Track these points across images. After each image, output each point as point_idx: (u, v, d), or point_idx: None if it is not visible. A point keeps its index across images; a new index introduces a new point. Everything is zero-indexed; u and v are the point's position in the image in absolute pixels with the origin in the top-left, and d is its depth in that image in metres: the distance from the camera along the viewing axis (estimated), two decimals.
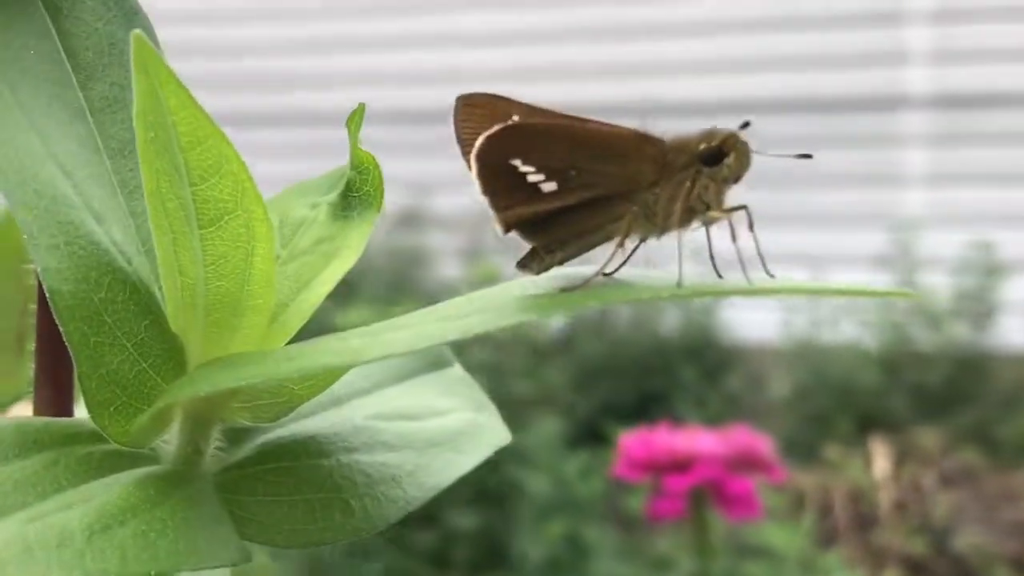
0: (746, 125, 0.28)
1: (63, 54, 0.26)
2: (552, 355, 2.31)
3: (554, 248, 0.28)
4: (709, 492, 1.06)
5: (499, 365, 2.08)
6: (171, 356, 0.25)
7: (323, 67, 2.91)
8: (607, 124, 0.28)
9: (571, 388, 2.29)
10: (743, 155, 0.28)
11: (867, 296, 0.23)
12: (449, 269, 2.44)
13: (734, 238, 0.28)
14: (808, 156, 0.29)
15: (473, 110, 0.28)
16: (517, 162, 0.27)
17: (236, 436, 0.27)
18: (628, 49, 2.71)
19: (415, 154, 2.75)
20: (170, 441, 0.26)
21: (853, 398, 2.27)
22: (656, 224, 0.28)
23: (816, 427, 2.24)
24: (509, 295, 0.24)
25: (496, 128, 0.27)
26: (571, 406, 2.22)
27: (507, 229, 0.28)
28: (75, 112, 0.26)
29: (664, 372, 2.37)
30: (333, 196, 0.27)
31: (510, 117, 0.28)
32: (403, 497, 0.26)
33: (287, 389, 0.26)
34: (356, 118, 0.27)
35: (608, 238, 0.28)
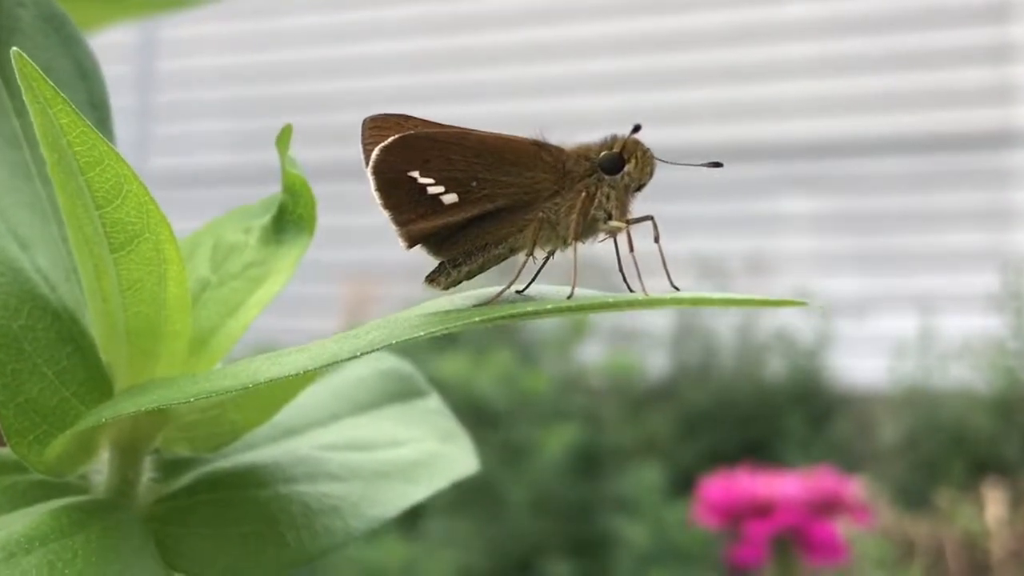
0: (637, 128, 0.28)
1: None
2: (655, 403, 2.29)
3: (460, 262, 0.28)
4: (792, 537, 1.03)
5: (597, 413, 2.07)
6: (95, 384, 0.24)
7: (428, 116, 2.93)
8: (504, 134, 0.27)
9: (675, 436, 2.27)
10: (645, 162, 0.28)
11: (750, 305, 0.22)
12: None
13: (631, 248, 0.27)
14: (718, 164, 0.28)
15: (379, 132, 0.28)
16: (415, 174, 0.26)
17: (176, 467, 0.26)
18: (738, 90, 2.70)
19: None
20: (100, 471, 0.25)
21: (965, 443, 2.21)
22: (560, 235, 0.27)
23: (927, 473, 2.18)
24: (417, 313, 0.23)
25: (391, 139, 0.26)
26: (674, 454, 2.20)
27: (411, 243, 0.27)
28: (8, 140, 0.26)
29: (769, 419, 2.34)
30: (266, 220, 0.27)
31: None
32: (343, 528, 0.25)
33: (226, 418, 0.25)
34: (284, 138, 0.26)
35: (514, 250, 0.28)
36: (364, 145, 0.28)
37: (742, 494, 1.05)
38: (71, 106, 0.20)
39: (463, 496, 1.90)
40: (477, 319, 0.21)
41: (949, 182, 2.58)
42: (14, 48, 0.20)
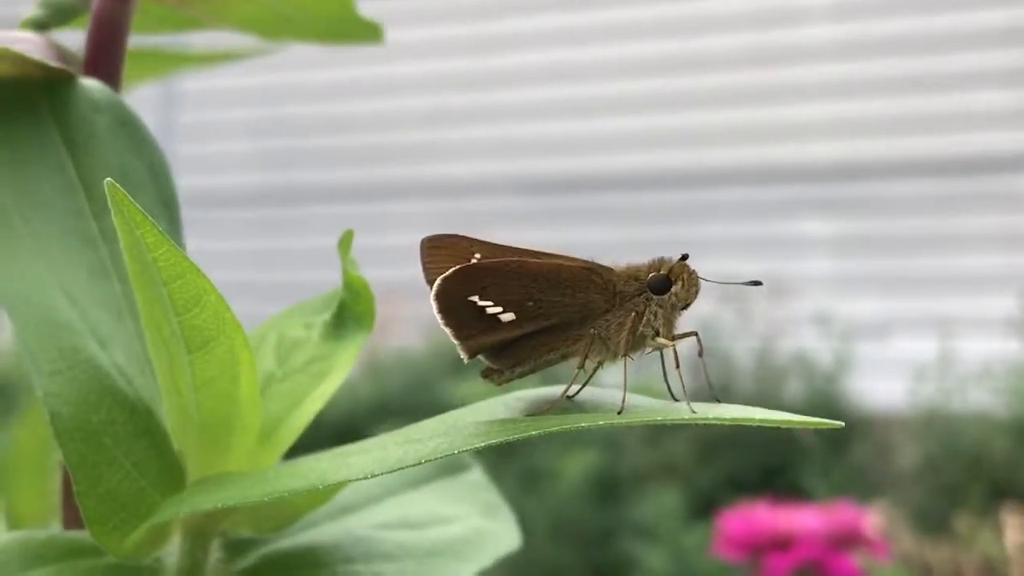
0: (685, 257, 0.30)
1: (79, 186, 0.28)
2: (674, 427, 2.30)
3: (515, 365, 0.30)
4: (812, 570, 1.04)
5: (616, 438, 2.08)
6: (169, 473, 0.26)
7: (455, 137, 2.94)
8: (558, 257, 0.29)
9: (693, 460, 2.27)
10: (691, 283, 0.30)
11: (790, 425, 0.23)
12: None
13: (677, 364, 0.29)
14: (758, 283, 0.30)
15: (438, 251, 0.30)
16: (475, 298, 0.29)
17: (241, 547, 0.28)
18: (758, 113, 2.71)
19: (538, 223, 2.77)
20: (172, 553, 0.27)
21: (984, 468, 2.21)
22: (610, 349, 0.29)
23: (946, 498, 2.19)
24: (474, 419, 0.25)
25: (451, 271, 0.28)
26: (693, 478, 2.20)
27: (471, 355, 0.29)
28: (87, 240, 0.27)
29: (788, 443, 2.34)
30: (327, 316, 0.28)
31: (472, 255, 0.30)
32: None
33: (289, 502, 0.27)
34: (346, 242, 0.28)
35: (566, 357, 0.30)
36: (424, 265, 0.30)
37: (762, 527, 1.06)
38: (156, 227, 0.22)
39: None
40: (535, 432, 0.23)
41: (969, 205, 2.59)
42: (108, 179, 0.21)
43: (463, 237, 0.30)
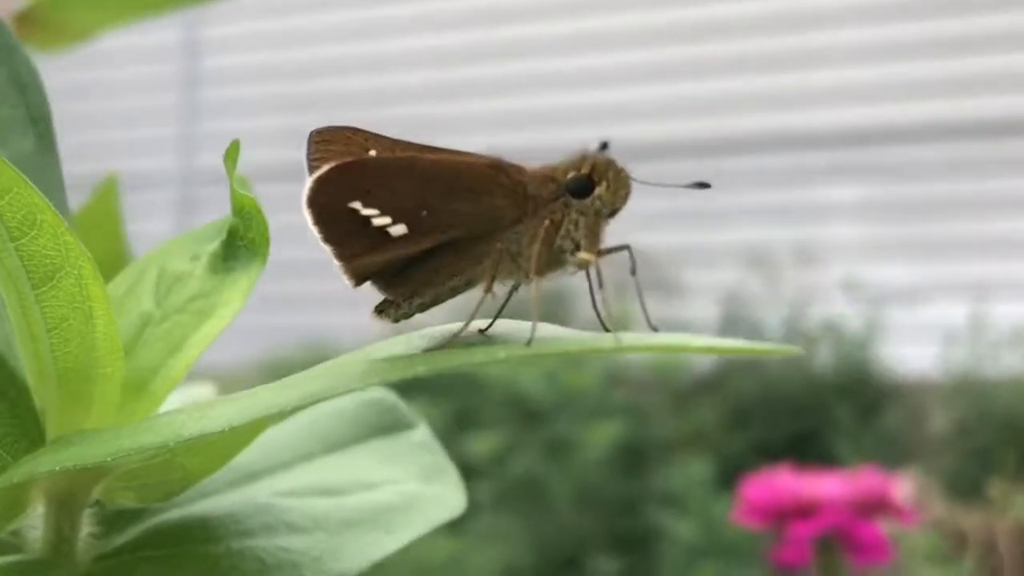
0: (605, 146, 0.24)
1: None
2: (701, 395, 2.27)
3: (412, 295, 0.25)
4: (837, 538, 1.00)
5: (641, 406, 2.04)
6: (25, 433, 0.22)
7: (480, 109, 2.91)
8: (458, 153, 0.24)
9: (722, 429, 2.24)
10: (618, 184, 0.24)
11: (732, 352, 0.19)
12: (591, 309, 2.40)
13: (600, 285, 0.24)
14: (705, 186, 0.25)
15: (329, 147, 0.25)
16: (357, 205, 0.23)
17: (121, 519, 0.24)
18: (784, 78, 2.66)
19: None
20: (36, 527, 0.23)
21: (1017, 433, 2.17)
22: (522, 268, 0.24)
23: (979, 464, 2.14)
24: (366, 358, 0.21)
25: (326, 169, 0.23)
26: (721, 447, 2.17)
27: (358, 281, 0.24)
28: None
29: (818, 410, 2.30)
30: (215, 246, 0.24)
31: (367, 153, 0.24)
32: None
33: (176, 464, 0.23)
34: (232, 155, 0.24)
35: (472, 283, 0.25)
36: (310, 164, 0.25)
37: (784, 495, 1.02)
38: None
39: (509, 492, 1.89)
40: (422, 368, 0.19)
41: (999, 168, 2.54)
42: None
43: (359, 130, 0.25)
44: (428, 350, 0.21)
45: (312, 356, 2.23)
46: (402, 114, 2.93)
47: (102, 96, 3.09)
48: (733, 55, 2.71)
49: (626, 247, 0.25)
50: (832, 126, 2.63)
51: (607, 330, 0.23)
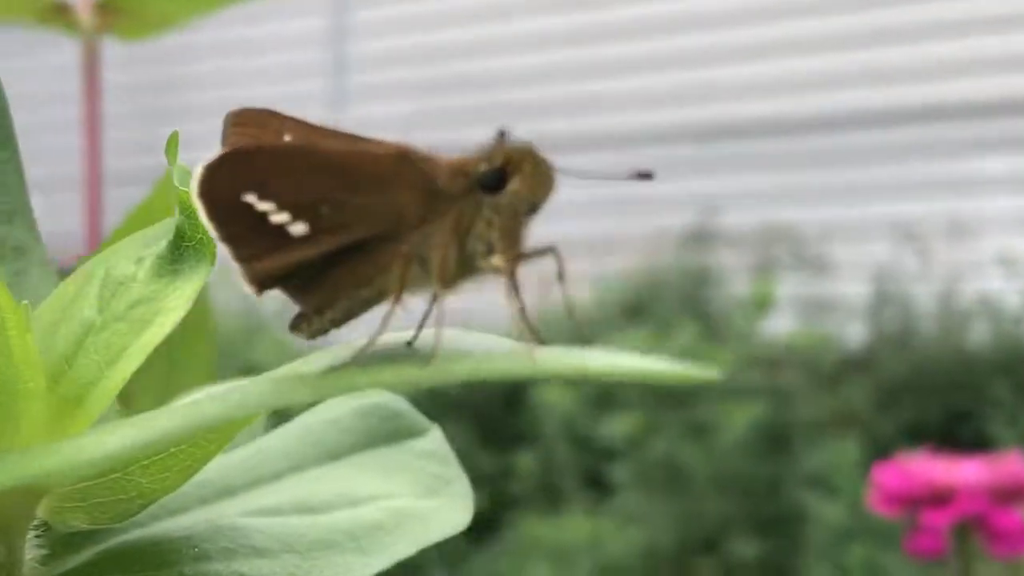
0: (502, 134, 0.21)
1: None
2: (851, 374, 2.21)
3: (323, 308, 0.22)
4: (974, 526, 0.96)
5: (785, 385, 2.00)
6: None
7: (619, 87, 2.88)
8: (367, 142, 0.21)
9: (872, 408, 2.18)
10: (537, 175, 0.21)
11: (644, 379, 0.17)
12: (738, 287, 2.36)
13: (516, 291, 0.21)
14: (647, 176, 0.22)
15: (244, 131, 0.23)
16: (252, 198, 0.21)
17: (75, 541, 0.23)
18: (934, 48, 2.59)
19: (701, 171, 2.69)
20: None
21: None
22: (431, 274, 0.21)
23: None
24: (283, 375, 0.19)
25: (216, 155, 0.21)
26: (871, 427, 2.12)
27: (260, 287, 0.21)
28: None
29: (974, 389, 2.23)
30: (160, 247, 0.23)
31: (280, 139, 0.22)
32: None
33: (130, 483, 0.22)
34: (172, 146, 0.22)
35: (385, 295, 0.22)
36: (222, 147, 0.23)
37: (918, 481, 0.98)
38: None
39: (648, 473, 1.87)
40: (307, 397, 0.17)
41: None
42: None
43: (276, 114, 0.22)
44: (329, 368, 0.19)
45: None
46: (550, 95, 2.92)
47: (249, 84, 3.13)
48: (879, 26, 2.64)
49: (551, 249, 0.22)
50: (985, 96, 2.55)
51: (540, 342, 0.20)
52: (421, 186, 0.21)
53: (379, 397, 0.27)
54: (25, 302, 0.21)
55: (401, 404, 0.27)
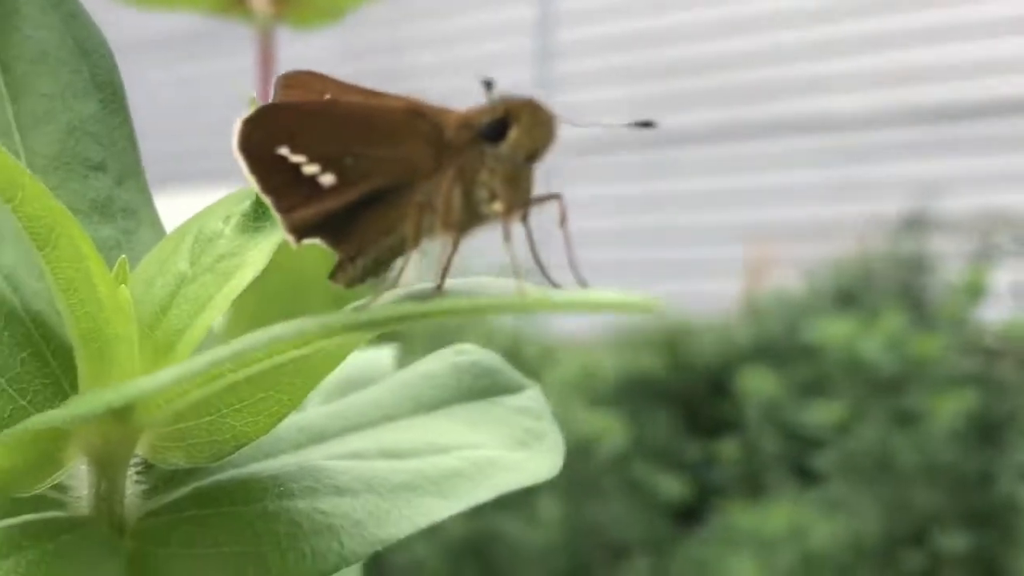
0: (489, 85, 0.22)
1: None
2: None
3: (355, 255, 0.23)
4: None
5: (994, 377, 1.93)
6: (56, 392, 0.23)
7: (834, 69, 2.83)
8: (379, 98, 0.22)
9: None
10: (536, 124, 0.22)
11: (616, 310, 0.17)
12: (953, 275, 2.30)
13: (506, 237, 0.22)
14: (649, 124, 0.22)
15: (289, 91, 0.24)
16: (285, 151, 0.22)
17: (171, 480, 0.24)
18: None
19: (919, 154, 2.63)
20: (80, 485, 0.23)
21: None
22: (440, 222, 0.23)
23: None
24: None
25: (252, 112, 0.22)
26: None
27: (299, 236, 0.23)
28: (2, 129, 0.24)
29: None
30: (246, 206, 0.24)
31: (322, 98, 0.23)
32: (337, 551, 0.22)
33: (224, 425, 0.23)
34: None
35: (407, 241, 0.23)
36: None
37: None
38: None
39: (853, 463, 1.83)
40: (317, 336, 0.18)
41: None
42: None
43: (320, 76, 0.24)
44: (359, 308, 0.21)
45: (665, 325, 2.23)
46: (756, 79, 2.89)
47: (457, 74, 3.18)
48: (986, 19, 2.55)
49: (556, 196, 0.23)
50: None
51: (555, 285, 0.21)
52: (431, 138, 0.22)
53: (476, 355, 0.28)
54: (123, 256, 0.23)
55: (497, 362, 0.28)
